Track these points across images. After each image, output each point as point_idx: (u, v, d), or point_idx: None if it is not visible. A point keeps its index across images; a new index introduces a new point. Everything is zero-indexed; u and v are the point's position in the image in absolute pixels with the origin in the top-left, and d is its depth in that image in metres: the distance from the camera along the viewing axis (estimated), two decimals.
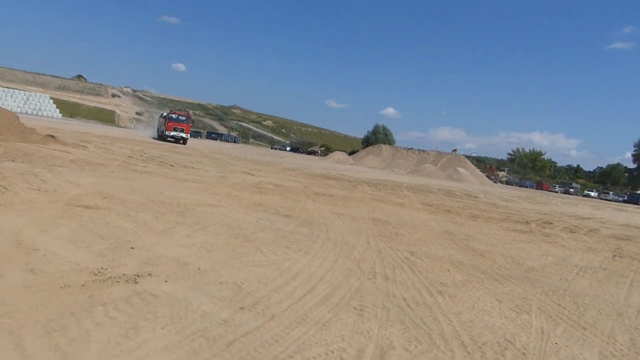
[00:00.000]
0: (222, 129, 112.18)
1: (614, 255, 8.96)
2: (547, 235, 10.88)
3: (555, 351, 3.60)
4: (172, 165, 15.16)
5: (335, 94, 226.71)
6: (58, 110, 76.63)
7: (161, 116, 42.40)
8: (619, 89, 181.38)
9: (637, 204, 56.29)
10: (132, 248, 4.52)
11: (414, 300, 4.35)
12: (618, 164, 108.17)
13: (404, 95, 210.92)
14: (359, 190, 16.33)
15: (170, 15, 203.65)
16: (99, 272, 3.65)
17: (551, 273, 6.63)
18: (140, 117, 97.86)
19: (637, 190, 77.94)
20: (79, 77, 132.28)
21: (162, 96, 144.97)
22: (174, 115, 38.19)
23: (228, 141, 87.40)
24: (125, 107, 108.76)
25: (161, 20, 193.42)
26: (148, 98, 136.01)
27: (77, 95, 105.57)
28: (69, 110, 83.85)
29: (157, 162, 15.81)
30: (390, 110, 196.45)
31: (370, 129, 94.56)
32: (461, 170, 56.33)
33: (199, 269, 4.23)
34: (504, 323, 4.11)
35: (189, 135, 39.12)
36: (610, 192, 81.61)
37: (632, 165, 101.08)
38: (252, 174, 16.79)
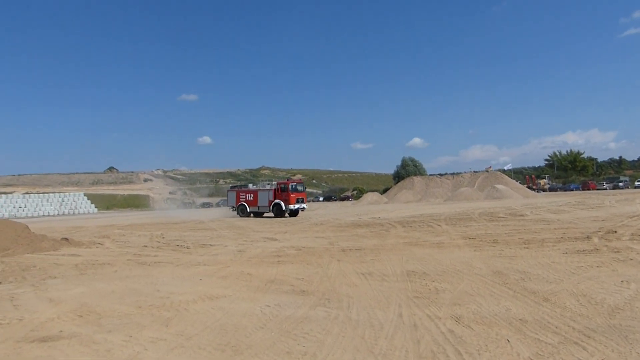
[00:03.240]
0: None
1: None
2: (617, 251, 9.16)
3: None
4: (187, 248, 14.16)
5: (360, 135, 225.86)
6: (93, 205, 78.73)
7: (231, 189, 36.84)
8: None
9: None
10: None
11: None
12: None
13: (428, 122, 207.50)
14: (392, 235, 14.87)
15: (189, 93, 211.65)
16: None
17: None
18: (174, 196, 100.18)
19: None
20: (111, 169, 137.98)
21: (193, 171, 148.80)
22: (294, 186, 32.43)
23: None
24: (158, 189, 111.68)
25: (181, 100, 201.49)
26: (179, 176, 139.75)
27: (111, 187, 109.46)
28: (104, 203, 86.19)
29: (173, 246, 14.88)
30: (417, 140, 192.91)
31: (399, 163, 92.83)
32: (500, 187, 53.74)
33: None
34: None
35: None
36: None
37: None
38: (275, 239, 15.63)
